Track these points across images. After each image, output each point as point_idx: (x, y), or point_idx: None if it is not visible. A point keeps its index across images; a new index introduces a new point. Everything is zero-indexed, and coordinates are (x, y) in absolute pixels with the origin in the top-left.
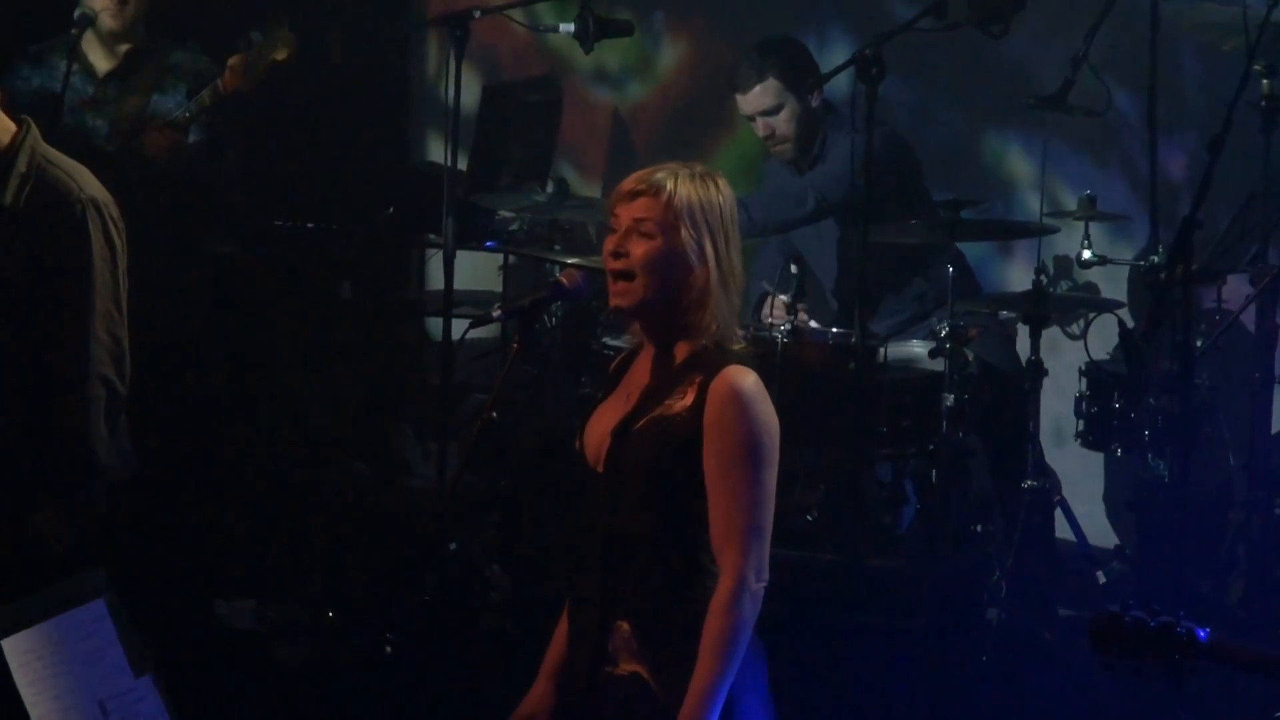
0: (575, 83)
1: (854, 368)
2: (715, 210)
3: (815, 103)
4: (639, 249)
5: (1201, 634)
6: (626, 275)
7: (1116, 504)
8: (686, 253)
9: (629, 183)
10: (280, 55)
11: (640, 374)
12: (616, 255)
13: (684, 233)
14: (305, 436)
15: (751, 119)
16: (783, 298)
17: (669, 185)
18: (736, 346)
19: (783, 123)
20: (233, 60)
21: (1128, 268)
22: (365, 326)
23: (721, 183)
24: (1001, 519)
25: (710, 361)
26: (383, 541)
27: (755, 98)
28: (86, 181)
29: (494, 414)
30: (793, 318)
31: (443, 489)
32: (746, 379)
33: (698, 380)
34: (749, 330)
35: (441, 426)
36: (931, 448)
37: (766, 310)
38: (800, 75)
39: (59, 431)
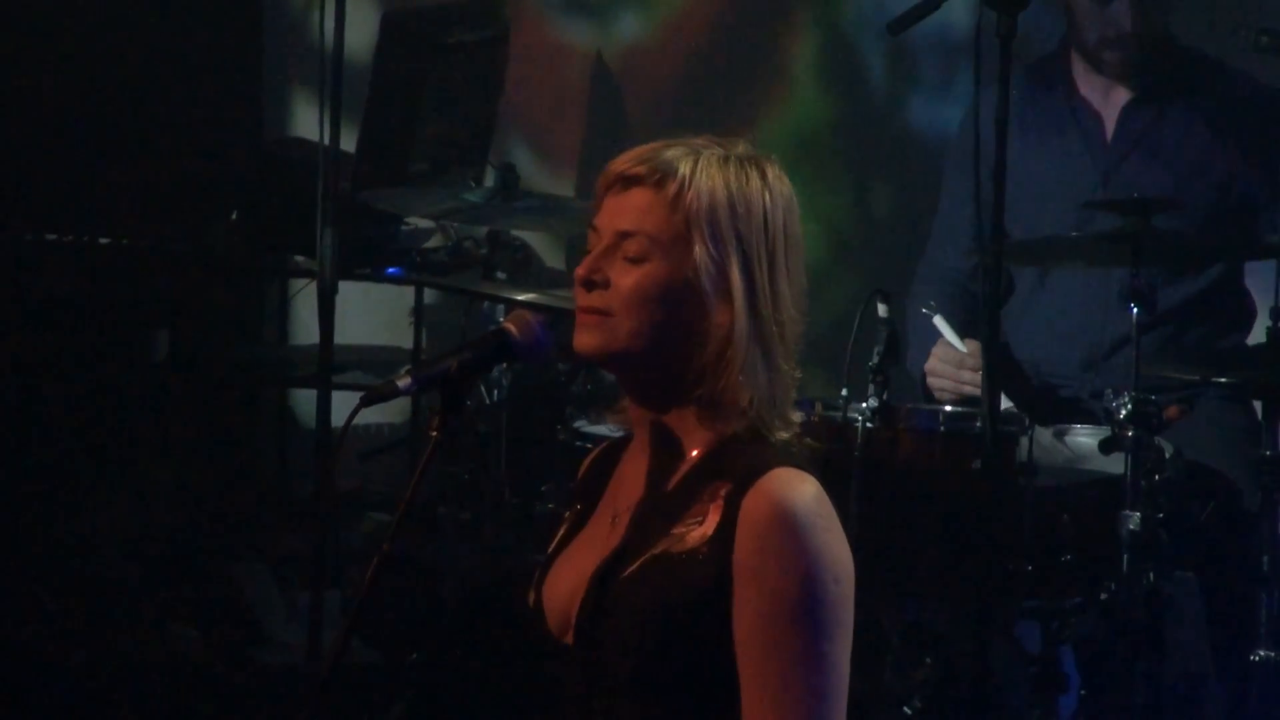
0: (533, 10)
1: (980, 468)
2: (757, 216)
3: None
4: (626, 277)
5: None
6: (602, 313)
7: None
8: (701, 282)
9: (624, 161)
10: None
11: (631, 480)
12: (590, 284)
13: (699, 250)
14: (93, 584)
15: None
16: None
17: (683, 169)
18: (783, 435)
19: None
20: None
21: None
22: (191, 404)
23: (773, 173)
24: (1220, 712)
25: (742, 461)
26: None
27: None
28: None
29: (395, 547)
30: (881, 388)
31: (318, 668)
32: (801, 490)
33: (722, 492)
34: (814, 412)
35: (316, 566)
36: (1105, 597)
37: (937, 362)
38: None
39: None
